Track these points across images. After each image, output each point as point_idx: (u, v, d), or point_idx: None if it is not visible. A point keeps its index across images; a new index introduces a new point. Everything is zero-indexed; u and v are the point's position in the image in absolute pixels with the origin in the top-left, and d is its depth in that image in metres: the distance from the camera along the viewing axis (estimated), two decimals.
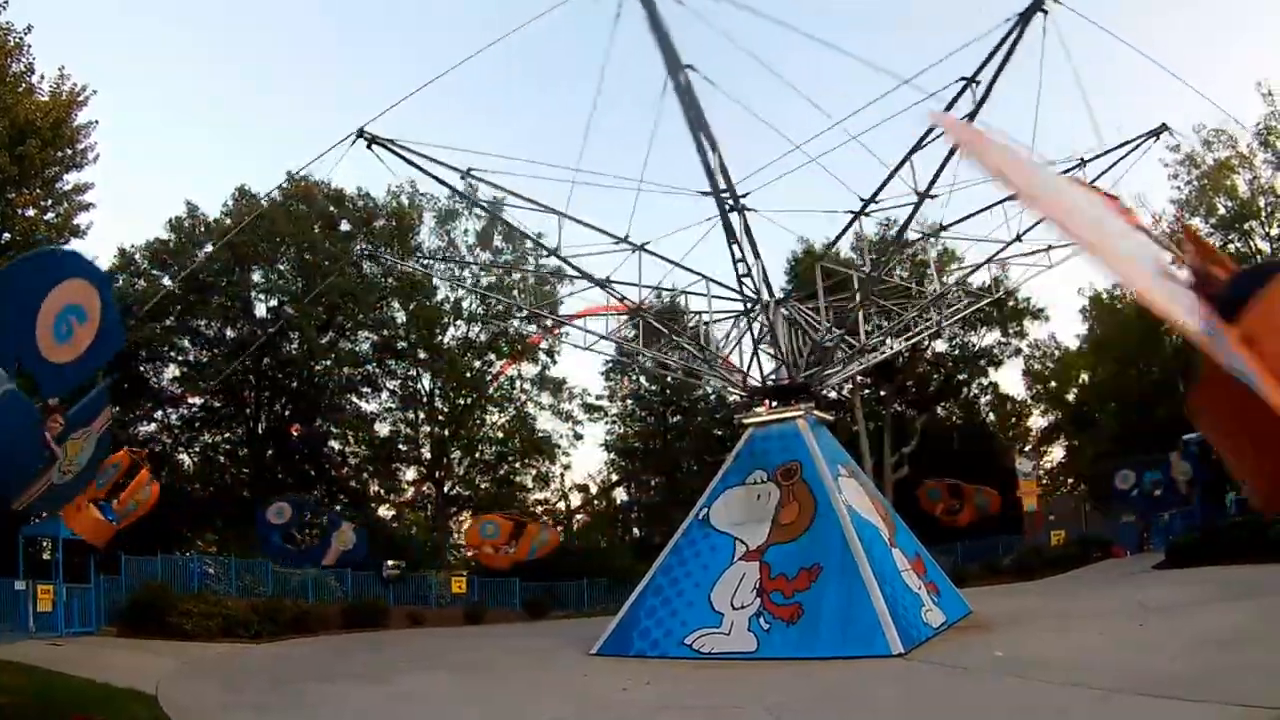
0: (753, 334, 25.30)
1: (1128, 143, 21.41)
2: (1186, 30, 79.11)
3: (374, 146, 19.38)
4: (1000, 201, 22.55)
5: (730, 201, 19.63)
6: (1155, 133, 21.30)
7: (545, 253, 21.14)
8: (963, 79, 16.60)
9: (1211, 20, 76.66)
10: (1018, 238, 23.25)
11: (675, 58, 15.82)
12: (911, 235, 28.35)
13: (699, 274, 25.79)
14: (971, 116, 16.63)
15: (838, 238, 27.31)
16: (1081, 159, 21.45)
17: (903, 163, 18.90)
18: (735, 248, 20.50)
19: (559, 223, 21.93)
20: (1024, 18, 16.57)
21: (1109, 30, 17.31)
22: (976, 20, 15.79)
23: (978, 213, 23.38)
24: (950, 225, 24.25)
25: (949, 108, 16.84)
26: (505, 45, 17.19)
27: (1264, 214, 42.14)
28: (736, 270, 21.50)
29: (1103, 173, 21.54)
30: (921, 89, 17.10)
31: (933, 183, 18.31)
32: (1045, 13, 16.98)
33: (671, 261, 24.47)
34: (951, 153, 17.37)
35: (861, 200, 21.24)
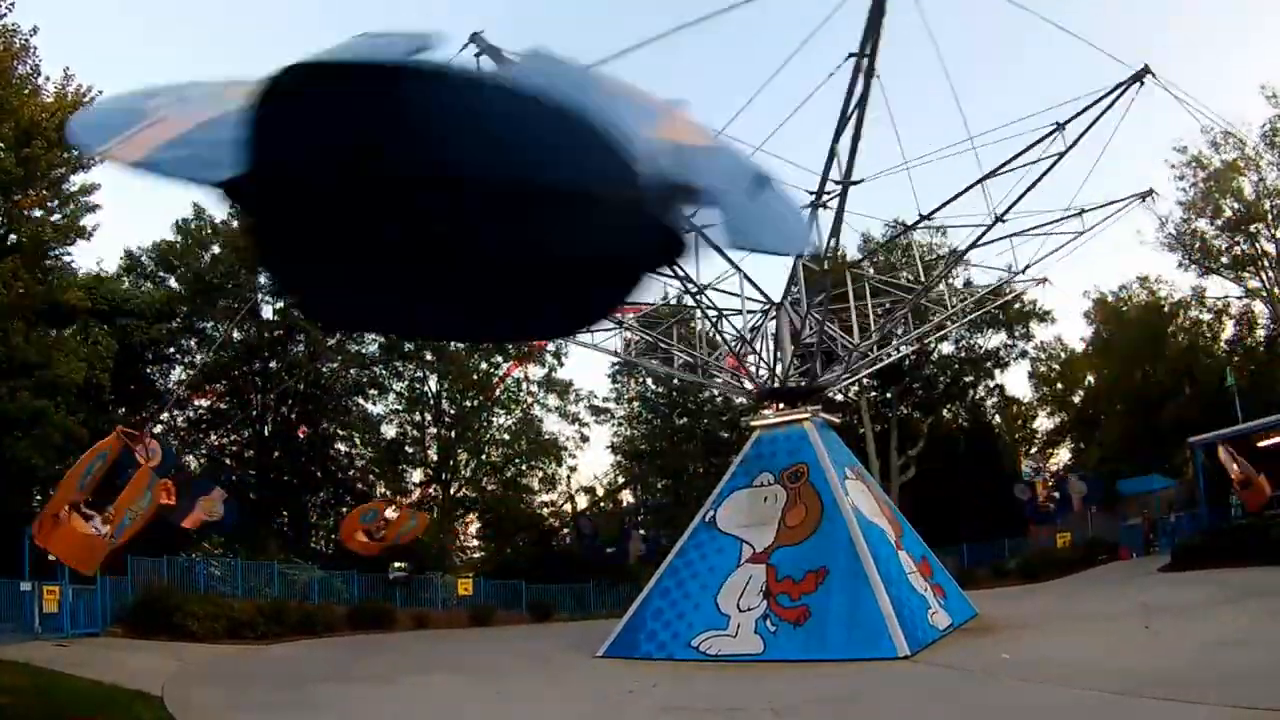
0: (758, 337, 25.25)
1: (1106, 94, 19.51)
2: (1190, 30, 78.96)
3: (483, 56, 18.65)
4: (977, 182, 22.06)
5: (832, 196, 19.21)
6: (1137, 77, 19.22)
7: None
8: (1055, 123, 16.60)
9: (1214, 21, 76.50)
10: (999, 219, 22.31)
11: (877, 41, 15.21)
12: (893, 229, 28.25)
13: (738, 268, 24.99)
14: (864, 94, 16.07)
15: (884, 244, 27.18)
16: (1057, 123, 19.70)
17: (830, 157, 18.31)
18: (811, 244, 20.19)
19: None
20: (1126, 84, 18.49)
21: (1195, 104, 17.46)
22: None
23: (956, 197, 22.70)
24: (931, 214, 23.28)
25: (850, 89, 16.43)
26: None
27: (1270, 216, 42.06)
28: (797, 267, 21.23)
29: (1084, 132, 19.63)
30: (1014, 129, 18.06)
31: (849, 170, 17.65)
32: (1142, 84, 18.63)
33: (721, 252, 23.84)
34: (854, 132, 16.93)
35: (920, 215, 21.12)
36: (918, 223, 23.80)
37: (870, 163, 53.21)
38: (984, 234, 22.66)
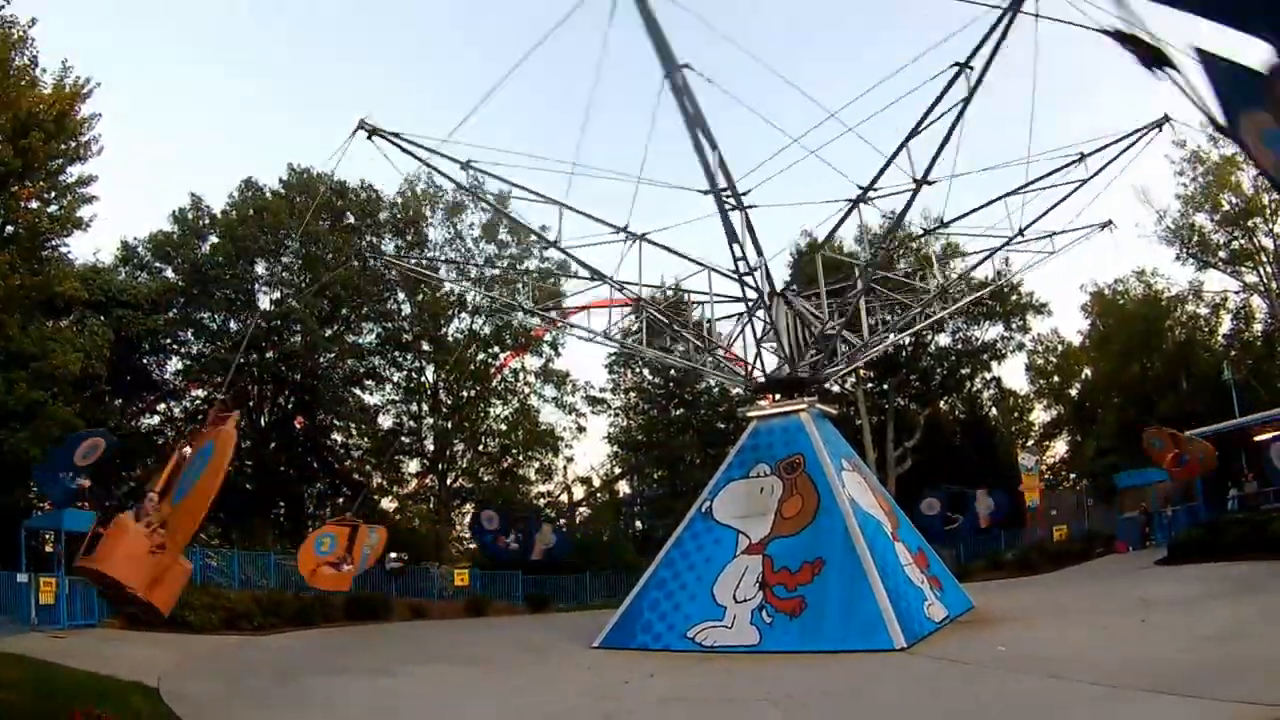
0: (753, 328, 25.27)
1: (1128, 135, 21.26)
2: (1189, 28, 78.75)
3: (374, 138, 19.66)
4: (1003, 197, 22.65)
5: (731, 200, 19.52)
6: (1158, 124, 21.00)
7: (546, 245, 21.20)
8: (956, 64, 16.64)
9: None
10: (1020, 233, 23.20)
11: (670, 56, 15.58)
12: (916, 229, 28.61)
13: (701, 264, 25.69)
14: (965, 103, 16.70)
15: (836, 227, 27.34)
16: (1081, 154, 21.49)
17: (899, 150, 18.92)
18: (736, 247, 20.36)
19: (560, 213, 22.01)
20: (1146, 129, 20.42)
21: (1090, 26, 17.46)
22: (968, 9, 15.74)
23: (981, 208, 23.51)
24: (954, 220, 24.34)
25: (943, 94, 17.01)
26: (509, 41, 17.09)
27: (1268, 211, 42.07)
28: (738, 269, 21.40)
29: (1104, 165, 21.60)
30: (918, 77, 17.58)
31: (929, 169, 18.23)
32: (1160, 129, 20.73)
33: (672, 251, 24.40)
34: (948, 138, 17.44)
35: (860, 189, 21.27)
36: (937, 228, 24.91)
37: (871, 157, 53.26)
38: (1004, 245, 24.71)
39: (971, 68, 16.55)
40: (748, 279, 21.91)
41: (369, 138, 19.53)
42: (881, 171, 20.10)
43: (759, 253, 21.91)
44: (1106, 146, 21.36)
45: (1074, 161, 21.56)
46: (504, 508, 42.43)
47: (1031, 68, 17.44)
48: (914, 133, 18.46)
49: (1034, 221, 23.17)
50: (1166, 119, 20.73)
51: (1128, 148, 21.33)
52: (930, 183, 18.65)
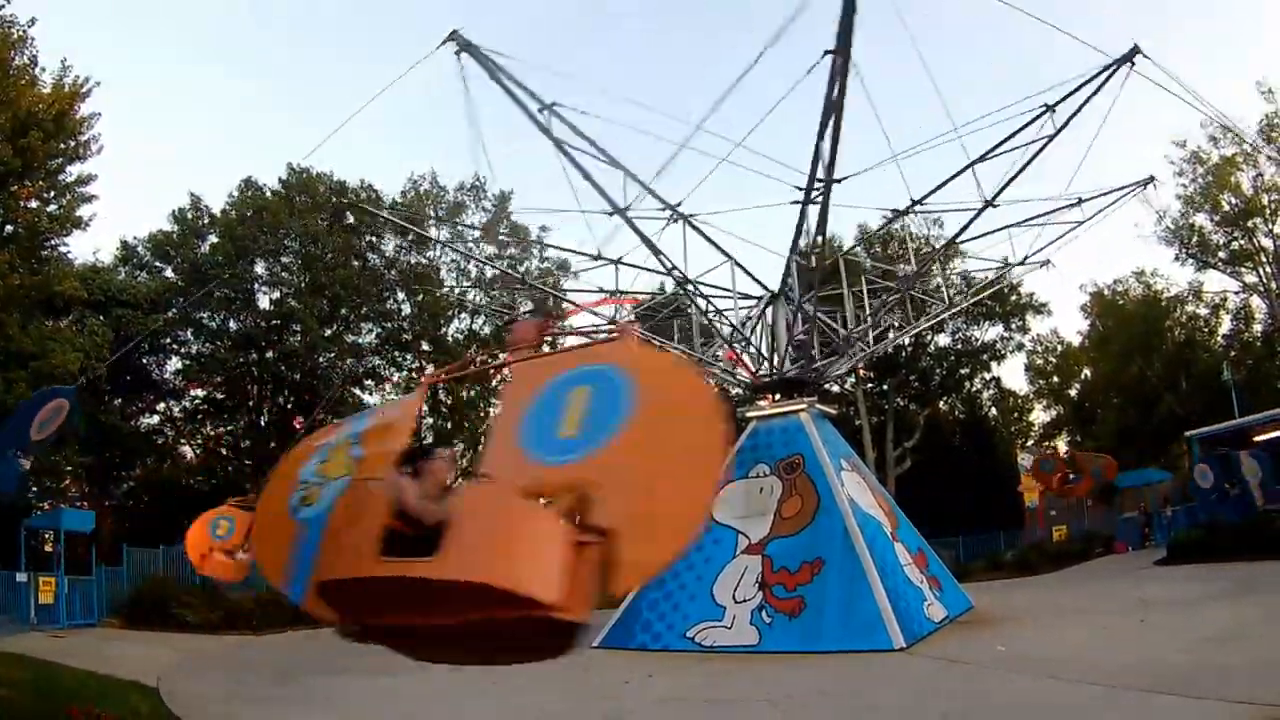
0: (766, 325, 25.20)
1: (1096, 75, 18.97)
2: (1188, 26, 78.93)
3: (462, 55, 18.60)
4: (967, 167, 21.96)
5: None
6: (1127, 58, 18.59)
7: (613, 211, 20.32)
8: (1045, 105, 16.73)
9: (1211, 19, 76.60)
10: (988, 203, 22.22)
11: (850, 35, 15.00)
12: (916, 229, 28.47)
13: (730, 257, 25.05)
14: (841, 89, 16.14)
15: (877, 232, 27.39)
16: (1046, 105, 19.47)
17: (963, 170, 19.10)
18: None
19: (624, 180, 20.68)
20: (1116, 64, 18.37)
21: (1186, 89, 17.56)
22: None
23: (945, 183, 22.35)
24: (921, 199, 23.13)
25: (1022, 128, 17.66)
26: (509, 39, 16.99)
27: (1268, 211, 42.10)
28: (791, 262, 21.21)
29: (1075, 113, 19.40)
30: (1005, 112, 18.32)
31: (831, 165, 17.68)
32: (1133, 64, 18.35)
33: (709, 240, 23.58)
34: (834, 129, 17.05)
35: (911, 199, 21.09)
36: (908, 209, 23.41)
37: (864, 156, 53.27)
38: (974, 219, 22.56)
39: (1055, 111, 16.57)
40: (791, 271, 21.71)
41: (457, 54, 18.49)
42: (812, 175, 19.01)
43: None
44: (1074, 93, 19.30)
45: (1041, 113, 19.50)
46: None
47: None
48: (983, 157, 18.51)
49: (1002, 189, 21.04)
50: (1137, 50, 18.51)
51: (1097, 90, 19.11)
52: (839, 180, 18.22)
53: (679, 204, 22.00)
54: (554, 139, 19.58)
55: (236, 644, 21.94)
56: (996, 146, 20.20)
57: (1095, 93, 18.96)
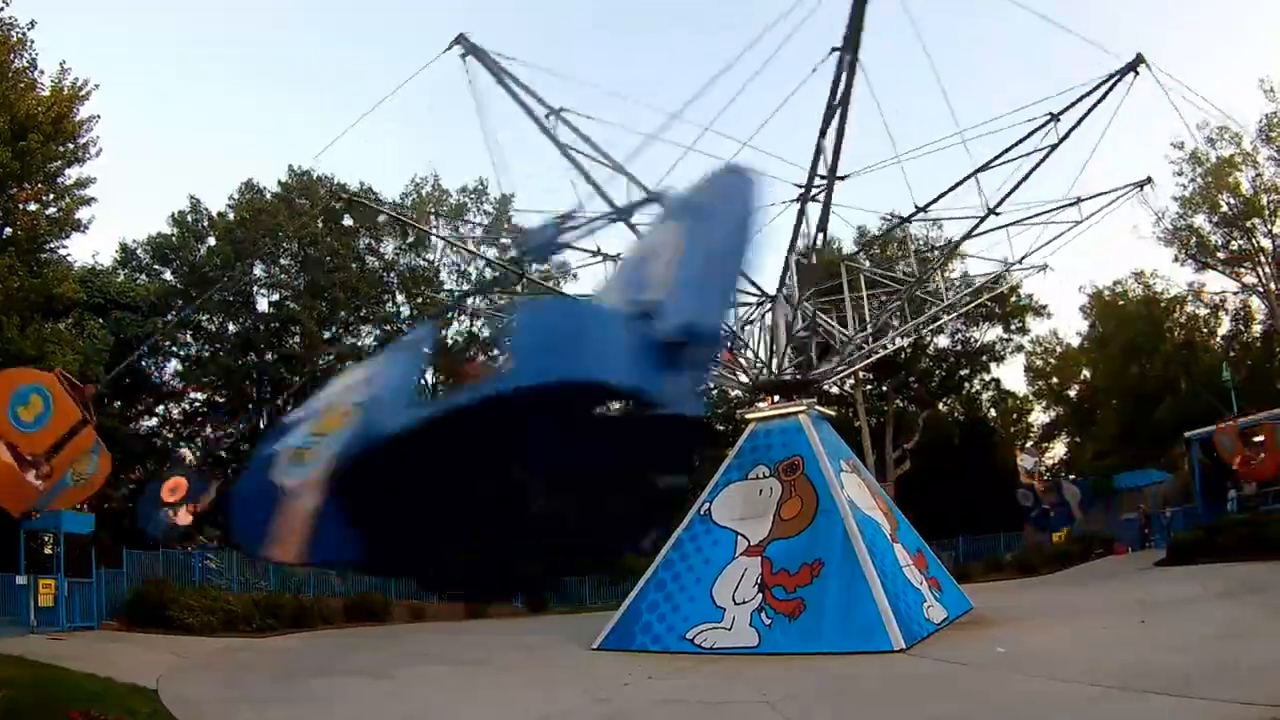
0: (766, 328, 25.23)
1: (1100, 85, 19.24)
2: (1187, 26, 78.97)
3: (467, 58, 18.67)
4: (972, 174, 22.04)
5: (822, 192, 19.26)
6: (1131, 67, 18.88)
7: (615, 216, 20.44)
8: (1049, 114, 16.66)
9: (1211, 18, 76.62)
10: (991, 211, 22.33)
11: (859, 33, 15.13)
12: (917, 231, 28.50)
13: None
14: (847, 86, 16.28)
15: (880, 238, 27.48)
16: (1051, 113, 19.71)
17: (967, 178, 19.08)
18: (803, 237, 20.26)
19: (626, 185, 20.62)
20: (1120, 74, 18.56)
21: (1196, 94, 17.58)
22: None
23: (951, 189, 22.56)
24: (925, 206, 23.31)
25: (1026, 137, 17.05)
26: (510, 40, 16.97)
27: (1267, 212, 42.10)
28: (786, 261, 21.21)
29: (1078, 122, 19.65)
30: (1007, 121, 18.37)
31: (834, 163, 17.74)
32: (1137, 74, 18.58)
33: None
34: (840, 125, 17.06)
35: (915, 206, 21.08)
36: (912, 216, 23.56)
37: (866, 155, 53.32)
38: (977, 226, 22.74)
39: (1060, 119, 16.54)
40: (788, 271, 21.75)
41: (463, 57, 18.58)
42: (811, 173, 19.14)
43: (815, 247, 21.81)
44: (1078, 102, 19.54)
45: (1046, 122, 19.78)
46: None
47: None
48: (986, 166, 18.47)
49: (1006, 196, 21.39)
50: (1140, 59, 18.84)
51: (1101, 98, 19.40)
52: (842, 177, 18.21)
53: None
54: (559, 144, 19.60)
55: (236, 646, 21.91)
56: (1000, 155, 20.34)
57: (1099, 101, 19.15)
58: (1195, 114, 22.68)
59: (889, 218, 33.22)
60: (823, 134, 17.48)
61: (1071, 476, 35.18)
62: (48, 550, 23.18)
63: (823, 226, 20.28)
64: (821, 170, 18.12)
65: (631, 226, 20.79)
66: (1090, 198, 24.30)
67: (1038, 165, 20.15)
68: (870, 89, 21.86)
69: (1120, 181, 24.53)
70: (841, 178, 18.21)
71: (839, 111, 16.54)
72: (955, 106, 29.02)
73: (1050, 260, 27.00)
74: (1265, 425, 30.84)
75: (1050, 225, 24.83)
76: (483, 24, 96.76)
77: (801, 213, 20.36)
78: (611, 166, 20.36)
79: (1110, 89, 19.10)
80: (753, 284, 23.91)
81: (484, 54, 18.70)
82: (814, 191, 19.48)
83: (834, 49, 15.64)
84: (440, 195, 48.27)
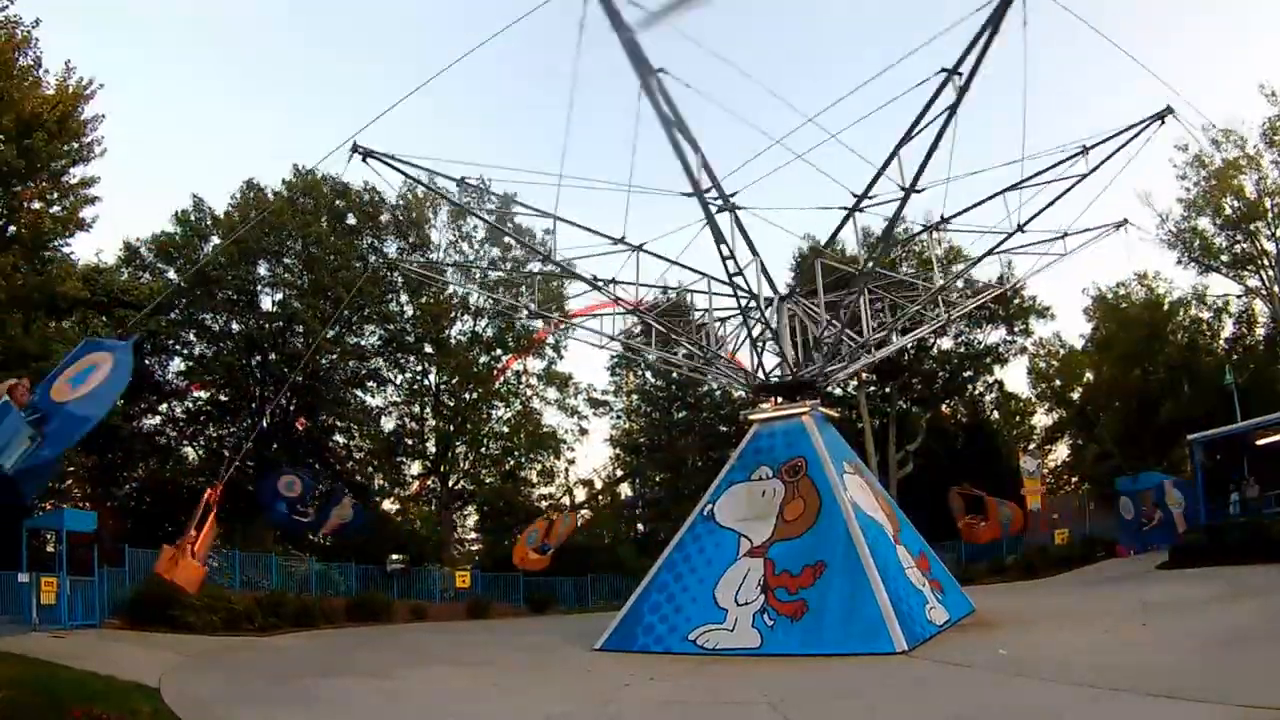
0: (749, 331, 25.29)
1: (1131, 127, 20.89)
2: (1189, 27, 78.92)
3: (368, 160, 19.90)
4: (1001, 192, 22.41)
5: (719, 201, 19.53)
6: (1160, 116, 20.55)
7: (543, 258, 21.17)
8: (944, 70, 16.41)
9: (1212, 18, 76.53)
10: (1020, 228, 22.90)
11: (645, 62, 15.26)
12: (915, 228, 28.62)
13: (699, 272, 25.79)
14: (953, 109, 16.41)
15: (833, 235, 27.69)
16: (1084, 146, 21.25)
17: (889, 159, 18.61)
18: (724, 247, 20.25)
19: (554, 225, 22.09)
20: (1149, 121, 20.14)
21: (1086, 21, 17.43)
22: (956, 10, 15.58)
23: (980, 203, 23.34)
24: (952, 217, 24.05)
25: (931, 100, 16.71)
26: (499, 49, 16.97)
27: (1270, 215, 42.03)
28: (726, 269, 21.29)
29: (1107, 158, 21.31)
30: (905, 81, 17.38)
31: (917, 177, 17.93)
32: (1163, 122, 20.31)
33: (670, 260, 24.48)
34: (935, 144, 17.14)
35: (854, 196, 21.18)
36: (938, 224, 24.76)
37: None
38: (1004, 240, 23.78)
39: (960, 74, 16.33)
40: (738, 279, 21.88)
41: (364, 160, 19.79)
42: (874, 180, 19.84)
43: (754, 253, 22.04)
44: (1110, 139, 21.14)
45: (1077, 154, 21.33)
46: (305, 472, 37.93)
47: (1023, 72, 17.55)
48: (904, 140, 18.03)
49: (1035, 216, 22.73)
50: (1169, 110, 20.36)
51: (1131, 139, 21.02)
52: (919, 190, 18.20)
53: (622, 236, 23.16)
54: (468, 209, 21.23)
55: (238, 645, 21.94)
56: (1031, 177, 21.51)
57: (1128, 142, 20.87)
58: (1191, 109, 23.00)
59: (899, 219, 33.36)
60: (901, 144, 17.84)
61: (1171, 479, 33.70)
62: (50, 548, 23.19)
63: (888, 235, 21.49)
64: (904, 182, 18.34)
65: (705, 206, 21.03)
66: (1075, 233, 25.93)
67: (1066, 191, 21.67)
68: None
69: (1120, 183, 24.77)
70: (918, 191, 18.45)
71: (940, 129, 16.81)
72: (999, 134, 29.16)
73: (1033, 283, 28.37)
74: (989, 499, 36.01)
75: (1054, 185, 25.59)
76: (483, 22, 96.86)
77: (848, 218, 21.75)
78: (688, 143, 19.93)
79: (1139, 133, 20.76)
80: (744, 287, 23.98)
81: (378, 155, 20.08)
82: (869, 202, 20.74)
83: (943, 70, 16.00)
84: (437, 196, 48.27)
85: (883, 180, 19.79)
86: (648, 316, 26.55)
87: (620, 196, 20.07)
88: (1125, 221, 26.54)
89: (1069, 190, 21.75)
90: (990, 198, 22.76)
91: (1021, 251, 26.50)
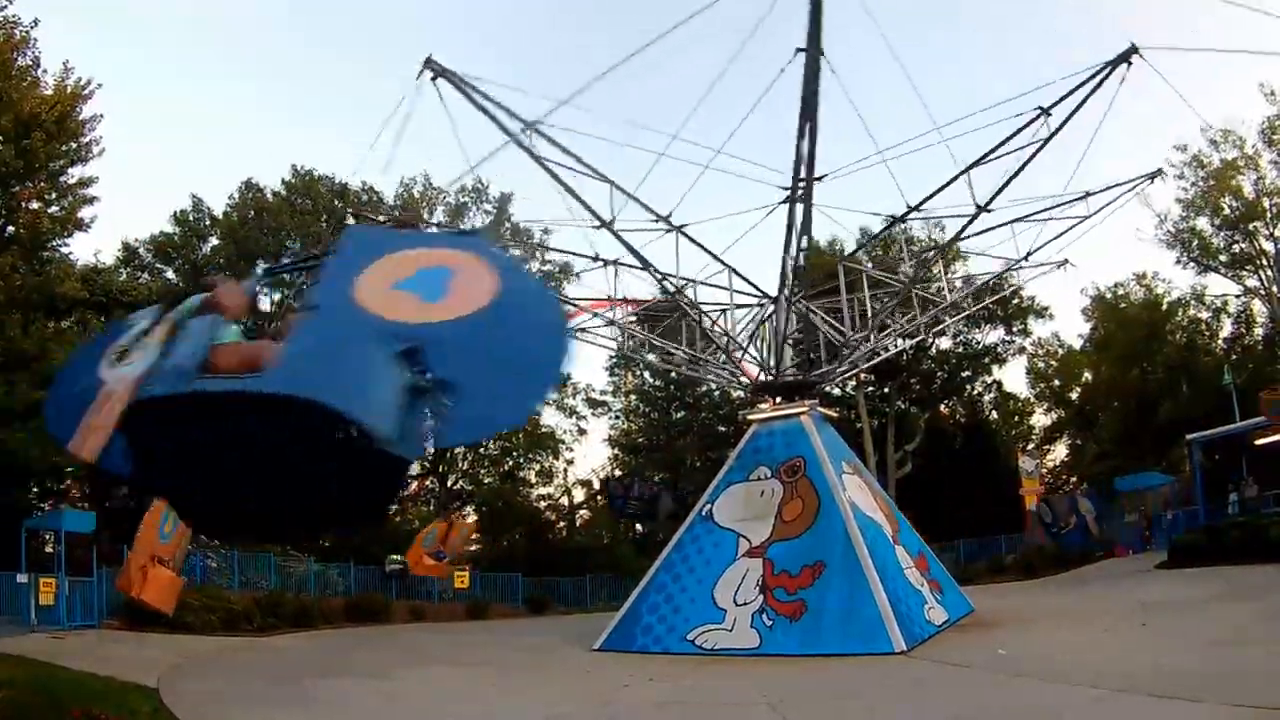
0: (769, 328, 25.19)
1: (1091, 78, 18.25)
2: (1189, 26, 78.92)
3: (438, 80, 18.56)
4: (967, 169, 21.67)
5: (803, 191, 19.29)
6: (1124, 57, 17.70)
7: (599, 225, 20.17)
8: (1039, 108, 16.52)
9: (1212, 18, 76.44)
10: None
11: (819, 36, 15.24)
12: (918, 232, 28.49)
13: (725, 264, 25.29)
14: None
15: (875, 237, 27.45)
16: (1041, 108, 18.72)
17: (959, 175, 18.82)
18: (794, 239, 20.24)
19: (610, 192, 20.44)
20: (1112, 64, 17.80)
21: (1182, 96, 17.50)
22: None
23: (945, 186, 22.32)
24: (924, 200, 23.03)
25: (1017, 132, 16.94)
26: (513, 39, 16.89)
27: (1269, 215, 42.06)
28: (783, 264, 21.16)
29: (1070, 115, 18.66)
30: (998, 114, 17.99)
31: (992, 199, 18.05)
32: (1130, 64, 17.77)
33: (703, 247, 23.95)
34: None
35: (907, 205, 21.02)
36: (905, 215, 23.12)
37: (858, 157, 53.17)
38: (969, 224, 21.89)
39: (1051, 114, 16.44)
40: (786, 274, 21.78)
41: (434, 80, 18.49)
42: (934, 194, 19.84)
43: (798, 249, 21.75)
44: (1069, 95, 18.50)
45: (1036, 117, 18.72)
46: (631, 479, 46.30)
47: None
48: (978, 162, 18.30)
49: (996, 194, 20.12)
50: (1134, 49, 17.66)
51: (1093, 90, 18.29)
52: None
53: (669, 214, 22.08)
54: (536, 157, 19.36)
55: (237, 645, 21.92)
56: (991, 152, 19.62)
57: (1091, 94, 18.31)
58: (1193, 102, 22.20)
59: (888, 219, 33.17)
60: (800, 135, 17.55)
61: (1082, 485, 35.58)
62: (49, 549, 23.16)
63: (805, 227, 20.50)
64: (801, 172, 18.21)
65: (617, 235, 21.01)
66: (1099, 191, 23.63)
67: (1029, 160, 19.23)
68: (843, 88, 21.82)
69: (1123, 188, 24.25)
70: (819, 179, 18.42)
71: (810, 113, 16.62)
72: (945, 107, 29.18)
73: (1059, 255, 26.72)
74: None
75: (1055, 222, 24.58)
76: (481, 26, 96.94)
77: (790, 215, 20.35)
78: (594, 175, 20.16)
79: (1102, 80, 18.19)
80: (753, 286, 23.97)
81: (453, 75, 18.67)
82: (797, 193, 19.61)
83: (798, 50, 15.66)
84: (435, 195, 48.27)
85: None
86: (639, 333, 26.50)
87: (660, 175, 19.73)
88: (1159, 172, 25.07)
89: (1033, 158, 19.20)
90: (952, 180, 20.42)
91: (1039, 218, 24.32)
